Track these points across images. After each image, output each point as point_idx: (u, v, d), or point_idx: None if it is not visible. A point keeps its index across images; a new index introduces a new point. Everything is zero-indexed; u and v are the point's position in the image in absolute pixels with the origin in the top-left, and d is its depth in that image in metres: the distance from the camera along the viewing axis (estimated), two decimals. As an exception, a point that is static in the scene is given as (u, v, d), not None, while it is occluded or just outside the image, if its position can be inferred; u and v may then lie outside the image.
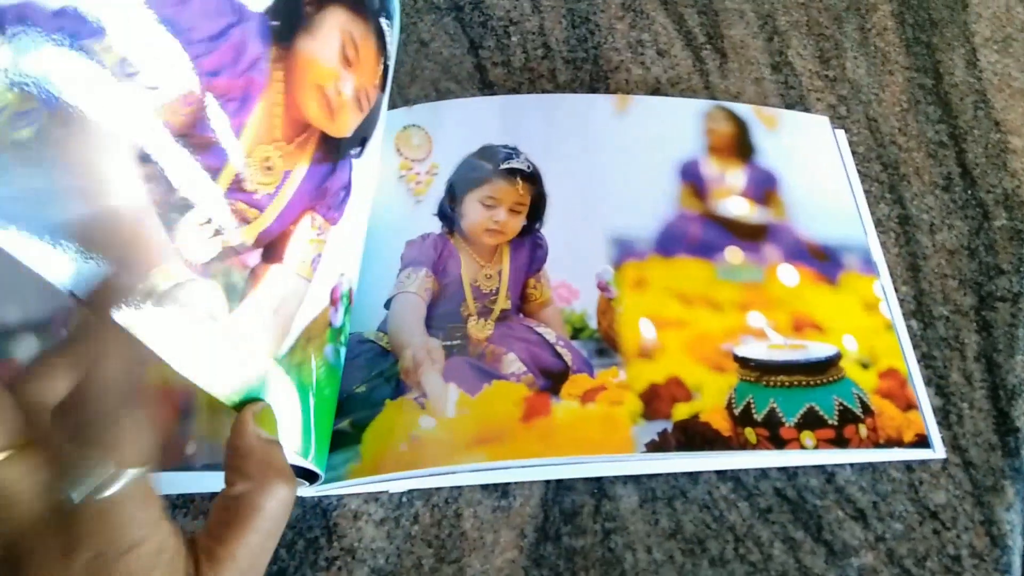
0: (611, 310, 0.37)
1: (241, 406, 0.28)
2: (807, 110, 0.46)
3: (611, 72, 0.48)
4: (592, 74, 0.48)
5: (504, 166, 0.40)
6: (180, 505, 0.36)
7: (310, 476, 0.33)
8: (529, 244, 0.39)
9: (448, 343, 0.36)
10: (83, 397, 0.23)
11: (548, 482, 0.36)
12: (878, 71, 0.49)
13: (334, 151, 0.33)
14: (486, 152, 0.41)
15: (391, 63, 0.36)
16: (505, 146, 0.41)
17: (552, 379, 0.35)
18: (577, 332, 0.37)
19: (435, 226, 0.39)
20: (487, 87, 0.47)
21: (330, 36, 0.32)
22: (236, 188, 0.28)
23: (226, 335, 0.27)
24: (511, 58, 0.48)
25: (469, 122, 0.41)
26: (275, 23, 0.29)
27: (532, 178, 0.40)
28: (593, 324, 0.37)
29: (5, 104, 0.22)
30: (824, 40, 0.50)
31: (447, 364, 0.36)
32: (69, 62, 0.23)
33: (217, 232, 0.27)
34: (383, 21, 0.35)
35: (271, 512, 0.26)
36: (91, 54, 0.23)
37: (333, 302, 0.33)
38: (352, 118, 0.34)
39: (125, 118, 0.24)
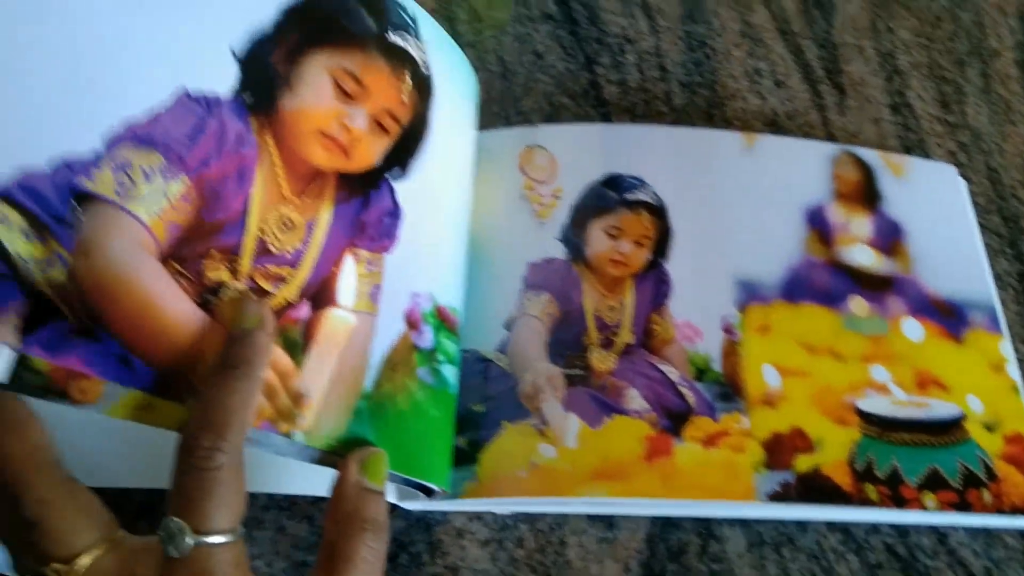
0: (735, 354, 0.37)
1: (344, 448, 0.29)
2: (927, 155, 0.46)
3: (727, 99, 0.48)
4: (708, 100, 0.47)
5: (629, 197, 0.40)
6: (285, 507, 0.36)
7: (427, 489, 0.33)
8: (653, 279, 0.38)
9: (569, 372, 0.36)
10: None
11: (655, 518, 0.36)
12: (1000, 120, 0.48)
13: (361, 185, 0.33)
14: (612, 181, 0.40)
15: (430, 71, 0.34)
16: (631, 176, 0.40)
17: (674, 420, 0.35)
18: (701, 374, 0.36)
19: (558, 250, 0.39)
20: (601, 105, 0.47)
21: (316, 82, 0.31)
22: (262, 254, 0.29)
23: (300, 390, 0.28)
24: (627, 77, 0.48)
25: (594, 148, 0.41)
26: (248, 98, 0.30)
27: (658, 211, 0.40)
28: (717, 367, 0.36)
29: (30, 255, 0.25)
30: (945, 84, 0.49)
31: (569, 393, 0.35)
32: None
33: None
34: (393, 36, 0.33)
35: (361, 563, 0.27)
36: (90, 181, 0.26)
37: (413, 325, 0.32)
38: (374, 147, 0.32)
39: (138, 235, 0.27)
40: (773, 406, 0.36)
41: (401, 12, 0.34)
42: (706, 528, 0.36)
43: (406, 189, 0.33)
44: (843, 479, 0.34)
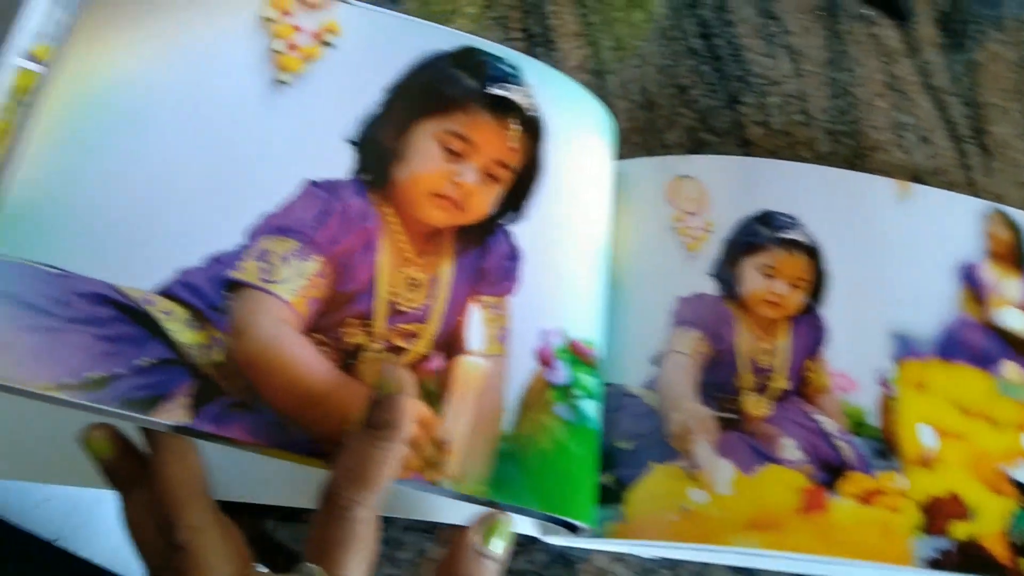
0: (892, 410, 0.36)
1: (493, 492, 0.30)
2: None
3: (870, 151, 0.47)
4: (853, 150, 0.46)
5: (784, 235, 0.39)
6: (426, 530, 0.35)
7: (572, 525, 0.32)
8: (808, 324, 0.37)
9: (721, 415, 0.35)
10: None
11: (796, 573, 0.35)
12: None
13: (479, 235, 0.34)
14: (765, 218, 0.39)
15: (538, 113, 0.35)
16: (785, 214, 0.39)
17: (830, 472, 0.34)
18: (857, 427, 0.35)
19: (709, 285, 0.37)
20: (745, 144, 0.46)
21: (425, 149, 0.34)
22: (394, 315, 0.32)
23: (443, 437, 0.30)
24: (770, 119, 0.47)
25: (745, 182, 0.40)
26: (366, 176, 0.33)
27: (812, 252, 0.38)
28: (873, 420, 0.35)
29: (194, 341, 0.29)
30: None
31: (721, 437, 0.34)
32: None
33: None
34: (494, 89, 0.35)
35: None
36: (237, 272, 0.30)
37: (545, 362, 0.32)
38: (485, 197, 0.34)
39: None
40: (930, 468, 0.35)
41: (499, 65, 0.36)
42: (845, 589, 0.34)
43: (526, 230, 0.34)
44: (1000, 551, 0.33)
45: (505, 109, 0.35)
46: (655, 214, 0.39)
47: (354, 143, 0.33)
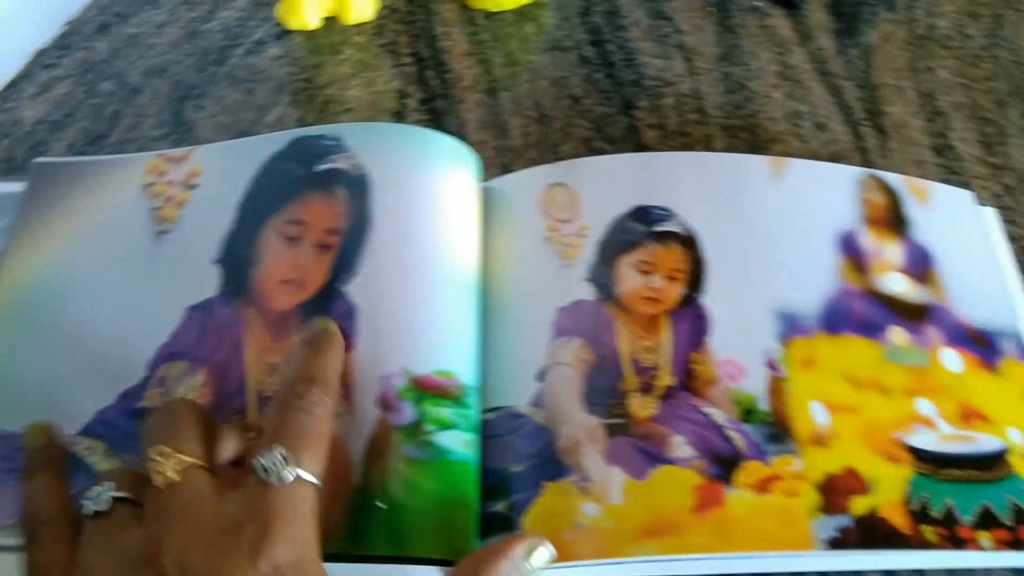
0: (781, 391, 0.35)
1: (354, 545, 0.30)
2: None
3: (769, 143, 0.46)
4: (751, 144, 0.46)
5: (658, 228, 0.38)
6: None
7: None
8: (690, 315, 0.36)
9: (608, 421, 0.34)
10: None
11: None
12: None
13: (319, 304, 0.36)
14: (638, 213, 0.38)
15: (363, 170, 0.38)
16: (658, 207, 0.39)
17: (723, 466, 0.33)
18: (748, 414, 0.34)
19: (586, 291, 0.37)
20: (641, 149, 0.45)
21: (270, 246, 0.37)
22: (262, 403, 0.35)
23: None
24: (665, 121, 0.47)
25: (617, 181, 0.39)
26: (230, 287, 0.36)
27: (689, 242, 0.38)
28: (763, 405, 0.35)
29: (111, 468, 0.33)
30: (987, 124, 0.48)
31: (609, 445, 0.33)
32: None
33: None
34: (318, 167, 0.38)
35: None
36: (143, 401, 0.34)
37: (387, 407, 0.33)
38: (321, 267, 0.36)
39: None
40: (824, 445, 0.34)
41: (321, 143, 0.39)
42: (768, 588, 0.34)
43: (360, 284, 0.35)
44: (900, 521, 0.33)
45: (330, 180, 0.38)
46: (529, 228, 0.39)
47: (219, 262, 0.37)
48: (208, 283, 0.36)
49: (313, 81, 0.47)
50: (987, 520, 0.33)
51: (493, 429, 0.34)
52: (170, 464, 0.28)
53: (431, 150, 0.38)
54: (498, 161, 0.45)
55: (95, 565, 0.27)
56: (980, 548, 0.33)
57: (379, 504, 0.31)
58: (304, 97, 0.46)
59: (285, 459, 0.27)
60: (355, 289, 0.35)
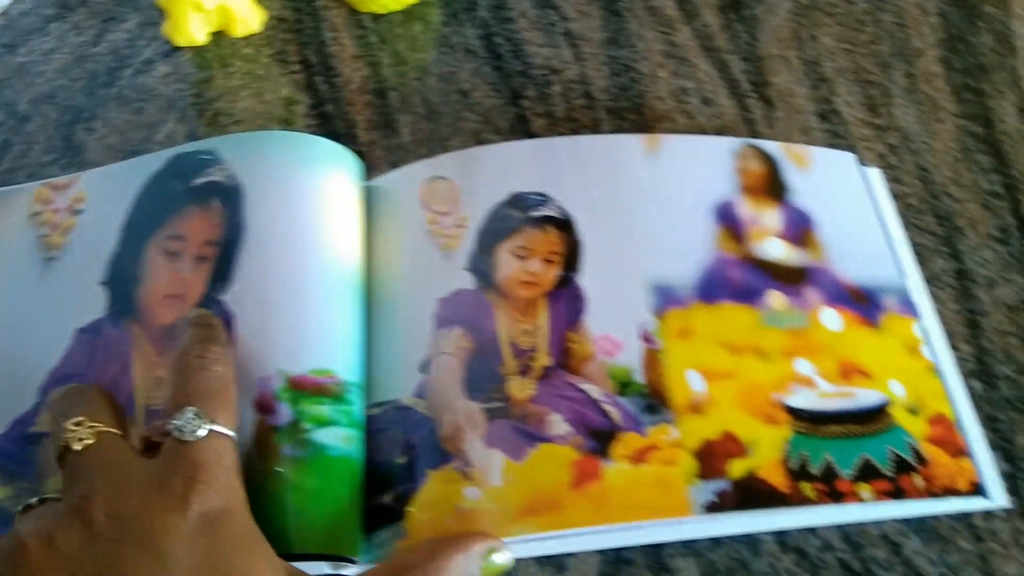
0: (657, 362, 0.36)
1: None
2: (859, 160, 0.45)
3: (655, 122, 0.47)
4: (637, 124, 0.47)
5: (534, 214, 0.38)
6: None
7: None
8: (566, 295, 0.37)
9: (488, 406, 0.34)
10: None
11: (604, 553, 0.34)
12: (927, 119, 0.48)
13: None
14: (516, 200, 0.39)
15: (236, 181, 0.39)
16: (535, 193, 0.39)
17: (600, 440, 0.34)
18: (623, 387, 0.35)
19: (467, 281, 0.37)
20: (529, 138, 0.46)
21: (153, 263, 0.38)
22: (150, 416, 0.35)
23: None
24: (553, 109, 0.47)
25: (496, 170, 0.40)
26: (117, 307, 0.37)
27: (564, 225, 0.38)
28: (639, 378, 0.35)
29: (5, 496, 0.33)
30: (871, 87, 0.49)
31: (489, 428, 0.34)
32: None
33: None
34: (196, 181, 0.39)
35: None
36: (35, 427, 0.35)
37: (264, 409, 0.33)
38: (199, 279, 0.37)
39: None
40: (701, 413, 0.35)
41: (197, 158, 0.39)
42: (658, 560, 0.34)
43: (235, 292, 0.36)
44: (779, 480, 0.33)
45: (206, 193, 0.38)
46: (410, 222, 0.39)
47: (105, 283, 0.37)
48: (96, 305, 0.37)
49: (203, 96, 0.47)
50: (867, 472, 0.34)
51: (379, 423, 0.35)
52: (87, 430, 0.28)
53: (306, 154, 0.39)
54: (389, 160, 0.45)
55: (22, 531, 0.26)
56: (860, 500, 0.34)
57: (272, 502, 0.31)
58: (194, 112, 0.47)
59: (198, 415, 0.28)
60: (231, 298, 0.36)
